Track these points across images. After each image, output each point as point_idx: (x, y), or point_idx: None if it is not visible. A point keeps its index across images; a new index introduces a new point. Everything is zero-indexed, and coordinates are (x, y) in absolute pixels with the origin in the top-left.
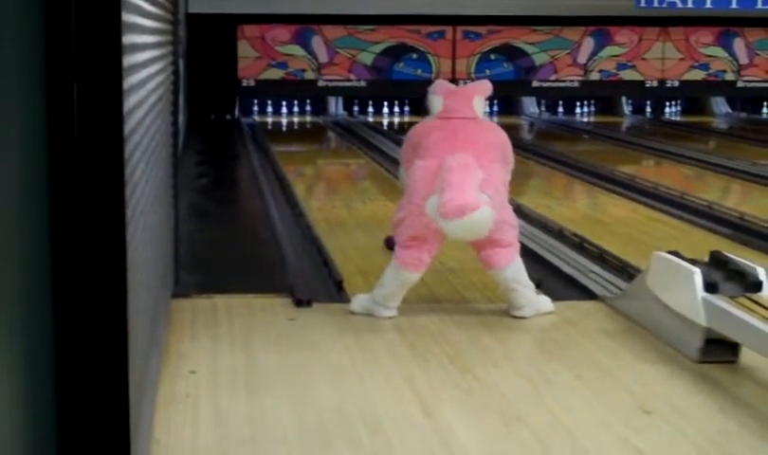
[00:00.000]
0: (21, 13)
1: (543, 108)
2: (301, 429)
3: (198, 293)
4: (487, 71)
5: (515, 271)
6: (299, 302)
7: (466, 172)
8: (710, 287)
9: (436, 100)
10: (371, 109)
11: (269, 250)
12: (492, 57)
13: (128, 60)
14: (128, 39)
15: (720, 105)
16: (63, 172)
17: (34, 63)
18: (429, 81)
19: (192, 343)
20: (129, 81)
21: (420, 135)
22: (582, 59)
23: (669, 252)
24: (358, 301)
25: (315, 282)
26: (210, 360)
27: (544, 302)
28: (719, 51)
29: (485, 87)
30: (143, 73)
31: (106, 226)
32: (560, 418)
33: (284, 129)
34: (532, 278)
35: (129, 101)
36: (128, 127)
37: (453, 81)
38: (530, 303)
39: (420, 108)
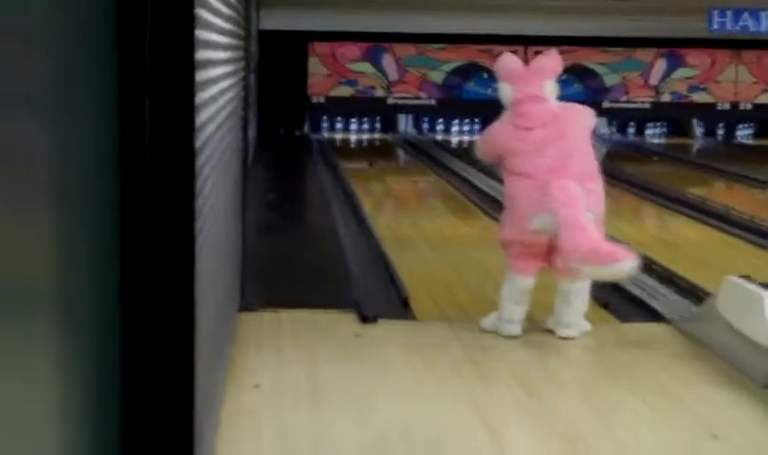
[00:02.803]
0: (95, 31)
1: (614, 129)
2: (364, 447)
3: (264, 307)
4: (558, 92)
5: (587, 283)
6: (364, 319)
7: (577, 204)
8: None
9: (505, 89)
10: (440, 127)
11: (336, 266)
12: (563, 77)
13: (201, 75)
14: (201, 55)
15: None
16: (134, 186)
17: (108, 79)
18: (500, 102)
19: (256, 357)
20: (201, 97)
21: (501, 143)
22: (654, 80)
23: (741, 276)
24: (488, 320)
25: (381, 298)
26: (274, 375)
27: (586, 325)
28: None
29: (554, 66)
30: (215, 89)
31: (176, 238)
32: (626, 443)
33: (353, 145)
34: (599, 298)
35: (201, 116)
36: (199, 141)
37: None
38: (577, 323)
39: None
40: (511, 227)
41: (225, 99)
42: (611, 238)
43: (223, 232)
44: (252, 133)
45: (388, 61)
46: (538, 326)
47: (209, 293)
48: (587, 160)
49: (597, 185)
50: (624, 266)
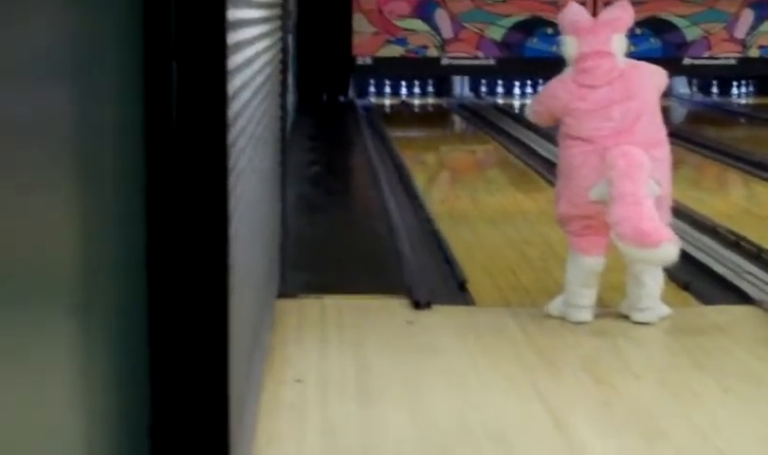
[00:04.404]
0: None
1: (695, 89)
2: (419, 442)
3: (306, 293)
4: (632, 47)
5: (670, 256)
6: (417, 304)
7: (638, 174)
8: None
9: (569, 43)
10: (500, 90)
11: (385, 246)
12: (638, 31)
13: (233, 37)
14: (233, 14)
15: None
16: (160, 161)
17: (131, 40)
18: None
19: (298, 348)
20: (234, 61)
21: (560, 103)
22: (740, 33)
23: None
24: (554, 304)
25: (435, 281)
26: (318, 366)
27: (665, 309)
28: None
29: (624, 19)
30: (249, 51)
31: (208, 219)
32: (709, 435)
33: (404, 112)
34: (679, 278)
35: (234, 83)
36: (232, 111)
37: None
38: (654, 308)
39: None
40: (568, 200)
41: (260, 62)
42: (692, 211)
43: (260, 211)
44: (291, 99)
45: (441, 16)
46: (610, 311)
47: (245, 278)
48: (655, 125)
49: (664, 152)
50: (663, 252)
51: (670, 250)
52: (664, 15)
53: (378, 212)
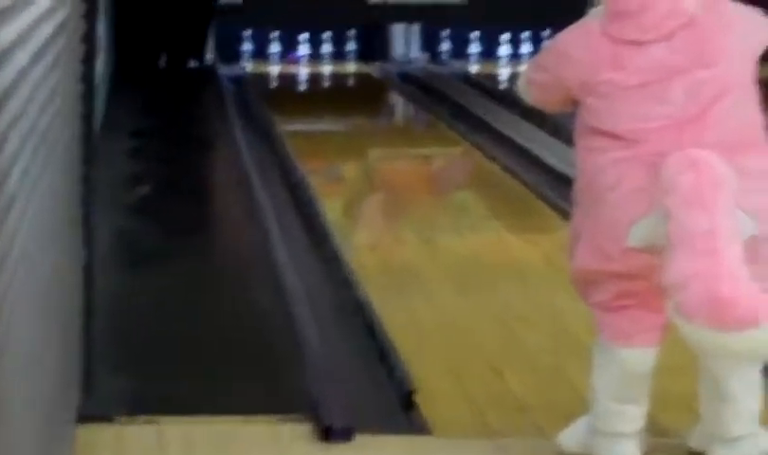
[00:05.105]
0: None
1: None
2: None
3: (129, 413)
4: None
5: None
6: (329, 433)
7: (715, 200)
8: None
9: None
10: (474, 49)
11: (272, 328)
12: None
13: None
14: None
15: None
16: None
17: None
18: None
19: None
20: None
21: (579, 71)
22: None
23: None
24: (573, 432)
25: (362, 391)
26: None
27: (766, 439)
28: None
29: None
30: None
31: None
32: None
33: (304, 87)
34: None
35: None
36: None
37: None
38: (751, 435)
39: None
40: (592, 247)
41: (45, 3)
42: None
43: (44, 269)
44: (103, 67)
45: None
46: (670, 443)
47: (17, 391)
48: (746, 113)
49: (763, 160)
50: (759, 339)
51: None
52: None
53: (259, 267)
